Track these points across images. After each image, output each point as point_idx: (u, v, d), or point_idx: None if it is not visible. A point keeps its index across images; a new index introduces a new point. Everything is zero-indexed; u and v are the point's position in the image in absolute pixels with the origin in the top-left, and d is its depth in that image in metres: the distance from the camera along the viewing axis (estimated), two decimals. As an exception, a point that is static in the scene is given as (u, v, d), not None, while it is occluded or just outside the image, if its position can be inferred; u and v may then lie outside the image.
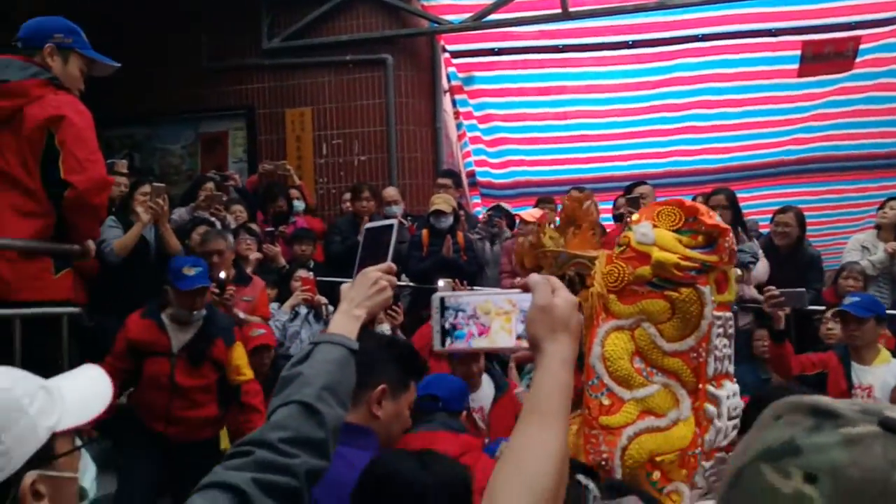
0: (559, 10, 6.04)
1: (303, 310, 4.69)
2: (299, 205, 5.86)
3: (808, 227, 5.15)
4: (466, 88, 6.91)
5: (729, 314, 2.33)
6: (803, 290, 3.84)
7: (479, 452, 2.42)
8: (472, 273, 5.06)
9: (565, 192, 4.43)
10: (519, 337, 1.16)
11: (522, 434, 0.96)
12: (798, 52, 6.40)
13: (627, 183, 5.48)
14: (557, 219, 2.57)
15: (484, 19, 6.24)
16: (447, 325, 1.21)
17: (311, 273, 4.77)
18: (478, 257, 5.23)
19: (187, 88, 6.87)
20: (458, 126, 7.10)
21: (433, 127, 6.59)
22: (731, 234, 2.25)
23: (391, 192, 5.75)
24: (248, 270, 4.89)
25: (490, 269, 5.32)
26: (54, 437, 1.12)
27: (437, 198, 5.20)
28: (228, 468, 1.11)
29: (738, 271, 4.70)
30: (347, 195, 5.89)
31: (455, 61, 6.84)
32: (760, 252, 4.92)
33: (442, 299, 1.21)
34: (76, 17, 2.80)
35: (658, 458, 2.12)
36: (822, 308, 4.37)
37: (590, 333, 2.22)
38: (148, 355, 3.57)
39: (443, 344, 1.22)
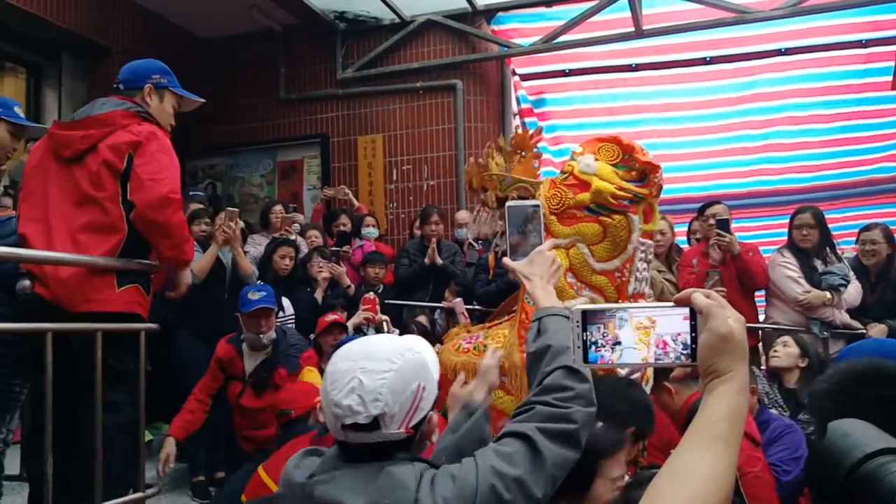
0: (632, 29, 5.89)
1: (371, 332, 4.70)
2: (373, 231, 5.85)
3: (906, 251, 4.77)
4: (536, 111, 6.82)
5: (650, 242, 2.64)
6: None
7: None
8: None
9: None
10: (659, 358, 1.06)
11: (693, 452, 0.92)
12: (891, 64, 6.00)
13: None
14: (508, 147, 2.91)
15: (554, 41, 6.17)
16: (590, 341, 1.09)
17: (372, 294, 4.79)
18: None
19: (266, 119, 7.13)
20: (529, 149, 7.01)
21: (503, 151, 6.55)
22: (660, 171, 2.53)
23: (463, 215, 5.72)
24: (319, 292, 4.96)
25: None
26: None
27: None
28: (515, 422, 1.39)
29: (828, 295, 4.42)
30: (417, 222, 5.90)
31: (525, 84, 6.78)
32: (852, 274, 4.58)
33: (584, 312, 1.09)
34: (167, 54, 2.99)
35: None
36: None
37: None
38: (230, 378, 3.90)
39: (586, 360, 1.10)
